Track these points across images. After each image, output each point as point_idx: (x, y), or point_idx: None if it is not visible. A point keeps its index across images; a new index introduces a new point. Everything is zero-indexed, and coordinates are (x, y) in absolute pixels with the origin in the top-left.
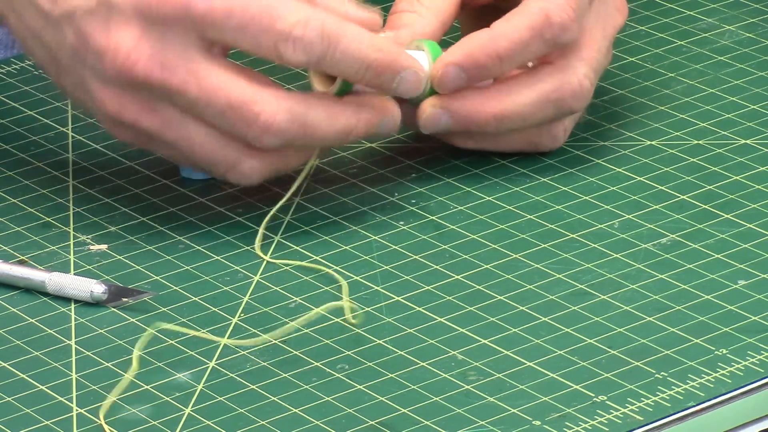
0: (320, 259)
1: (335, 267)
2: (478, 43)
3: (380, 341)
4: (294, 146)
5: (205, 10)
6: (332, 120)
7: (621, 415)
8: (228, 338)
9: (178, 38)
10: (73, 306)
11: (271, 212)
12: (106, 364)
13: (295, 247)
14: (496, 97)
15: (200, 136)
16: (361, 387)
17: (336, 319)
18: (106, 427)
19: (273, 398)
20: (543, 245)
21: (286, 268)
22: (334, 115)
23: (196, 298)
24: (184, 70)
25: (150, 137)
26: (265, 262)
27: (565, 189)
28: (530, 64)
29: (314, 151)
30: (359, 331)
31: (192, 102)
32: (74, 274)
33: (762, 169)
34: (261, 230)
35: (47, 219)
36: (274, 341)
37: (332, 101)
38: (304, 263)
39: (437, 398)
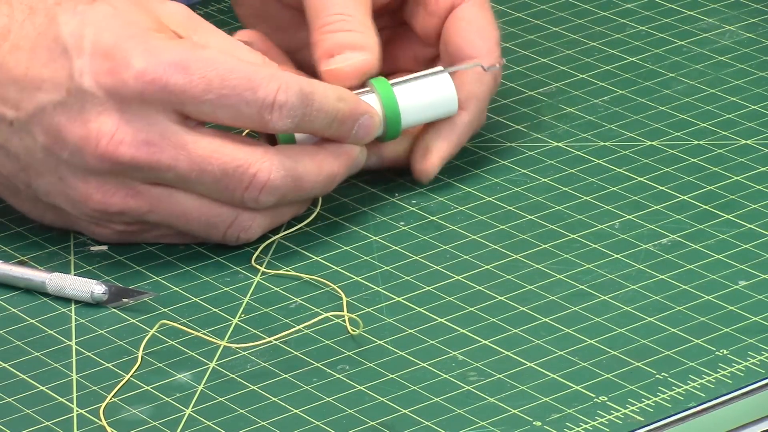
0: (321, 260)
1: (336, 268)
2: (464, 134)
3: (381, 342)
4: (286, 201)
5: (183, 85)
6: (319, 168)
7: (622, 416)
8: (228, 339)
9: (157, 115)
10: (73, 306)
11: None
12: (107, 365)
13: (296, 248)
14: None
15: (193, 205)
16: (361, 387)
17: (336, 320)
18: (108, 428)
19: (273, 399)
20: (543, 246)
21: (286, 269)
22: (319, 164)
23: (197, 299)
24: (170, 144)
25: (139, 223)
26: (265, 264)
27: (566, 189)
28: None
29: (302, 204)
30: (360, 331)
31: (184, 175)
32: (74, 274)
33: (762, 169)
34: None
35: None
36: (275, 341)
37: (313, 150)
38: (303, 276)
39: (438, 399)
